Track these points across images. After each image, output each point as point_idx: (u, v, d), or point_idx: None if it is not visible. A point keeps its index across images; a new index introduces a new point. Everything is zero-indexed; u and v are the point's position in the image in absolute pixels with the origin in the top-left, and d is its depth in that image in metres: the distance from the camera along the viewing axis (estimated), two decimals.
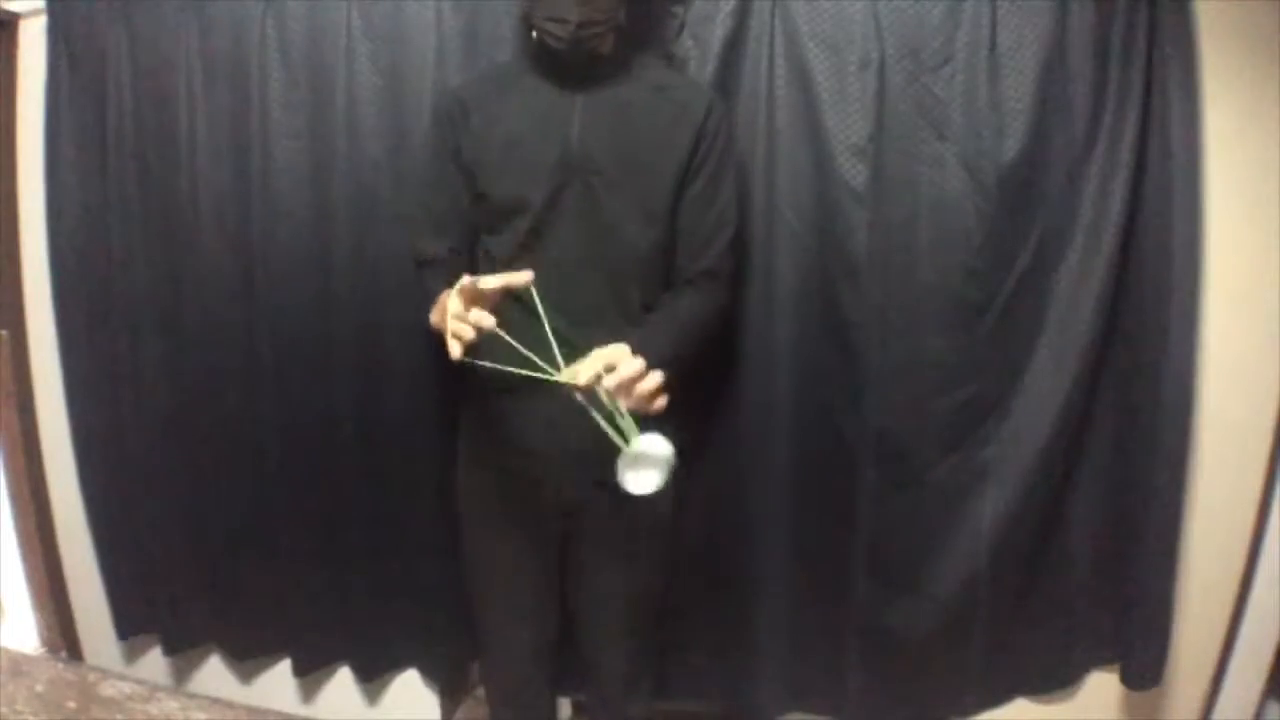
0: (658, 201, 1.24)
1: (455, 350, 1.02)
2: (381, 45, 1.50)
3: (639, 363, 1.04)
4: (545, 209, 1.22)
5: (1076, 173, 1.40)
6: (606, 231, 1.23)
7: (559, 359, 1.07)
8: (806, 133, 1.43)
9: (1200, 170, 1.40)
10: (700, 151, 1.24)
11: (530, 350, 1.07)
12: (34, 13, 1.68)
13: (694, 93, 1.29)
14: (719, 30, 1.41)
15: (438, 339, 1.08)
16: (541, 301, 1.09)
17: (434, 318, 1.16)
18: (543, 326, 1.08)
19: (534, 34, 1.24)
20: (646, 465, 1.05)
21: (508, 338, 1.05)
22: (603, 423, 1.05)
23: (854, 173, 1.41)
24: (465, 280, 1.03)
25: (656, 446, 1.05)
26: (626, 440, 1.05)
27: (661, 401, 1.06)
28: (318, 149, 1.55)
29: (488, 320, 1.02)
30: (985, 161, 1.39)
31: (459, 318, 1.02)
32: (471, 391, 1.36)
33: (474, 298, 1.04)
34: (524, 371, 1.07)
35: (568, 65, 1.22)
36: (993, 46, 1.37)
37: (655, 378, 1.05)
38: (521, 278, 1.08)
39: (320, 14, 1.51)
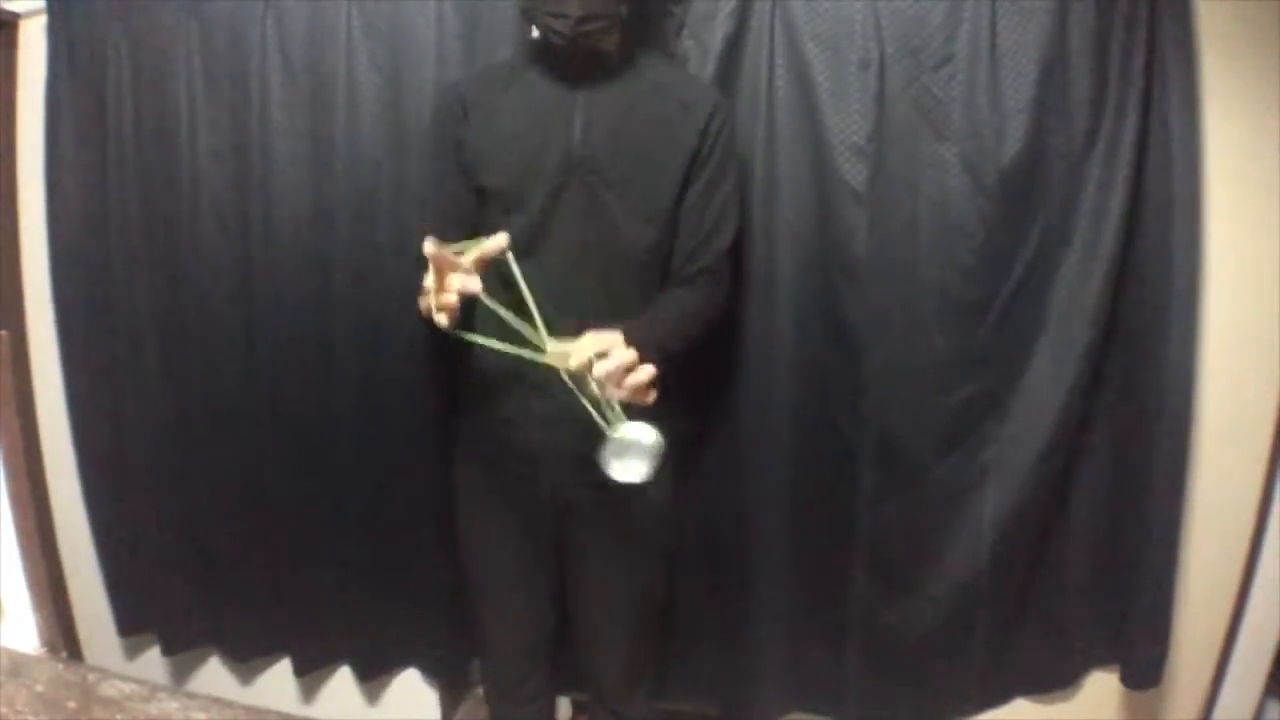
0: (660, 201, 1.23)
1: (442, 320, 1.01)
2: (381, 45, 1.50)
3: (630, 353, 1.02)
4: (545, 208, 1.21)
5: (1076, 173, 1.40)
6: (607, 231, 1.22)
7: (543, 332, 1.04)
8: (806, 132, 1.43)
9: (1200, 170, 1.39)
10: (703, 151, 1.23)
11: (514, 325, 1.04)
12: (34, 13, 1.68)
13: (698, 91, 1.28)
14: (719, 30, 1.41)
15: (427, 322, 1.05)
16: (528, 284, 1.06)
17: (421, 304, 1.11)
18: (523, 299, 1.05)
19: (534, 30, 1.23)
20: (633, 454, 1.03)
21: (492, 304, 1.02)
22: (589, 406, 1.03)
23: (854, 173, 1.41)
24: (429, 247, 0.99)
25: (644, 435, 1.03)
26: (610, 425, 1.03)
27: (652, 395, 1.04)
28: (318, 149, 1.55)
29: (473, 284, 1.00)
30: (985, 161, 1.39)
31: (441, 288, 1.00)
32: (469, 391, 1.36)
33: (447, 268, 1.02)
34: (512, 349, 1.05)
35: (571, 62, 1.21)
36: (993, 46, 1.37)
37: (647, 370, 1.02)
38: (496, 242, 1.06)
39: (320, 14, 1.51)
